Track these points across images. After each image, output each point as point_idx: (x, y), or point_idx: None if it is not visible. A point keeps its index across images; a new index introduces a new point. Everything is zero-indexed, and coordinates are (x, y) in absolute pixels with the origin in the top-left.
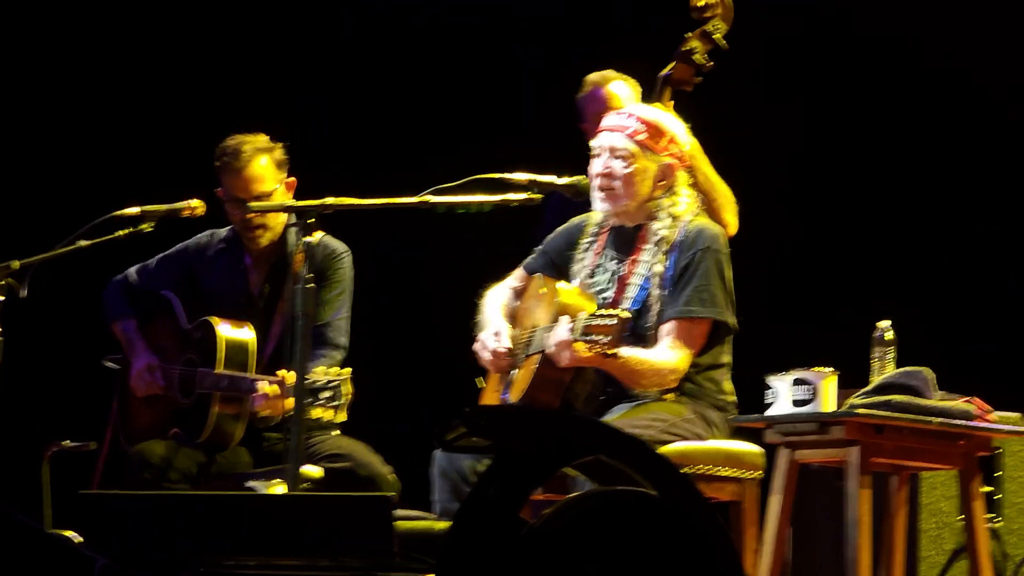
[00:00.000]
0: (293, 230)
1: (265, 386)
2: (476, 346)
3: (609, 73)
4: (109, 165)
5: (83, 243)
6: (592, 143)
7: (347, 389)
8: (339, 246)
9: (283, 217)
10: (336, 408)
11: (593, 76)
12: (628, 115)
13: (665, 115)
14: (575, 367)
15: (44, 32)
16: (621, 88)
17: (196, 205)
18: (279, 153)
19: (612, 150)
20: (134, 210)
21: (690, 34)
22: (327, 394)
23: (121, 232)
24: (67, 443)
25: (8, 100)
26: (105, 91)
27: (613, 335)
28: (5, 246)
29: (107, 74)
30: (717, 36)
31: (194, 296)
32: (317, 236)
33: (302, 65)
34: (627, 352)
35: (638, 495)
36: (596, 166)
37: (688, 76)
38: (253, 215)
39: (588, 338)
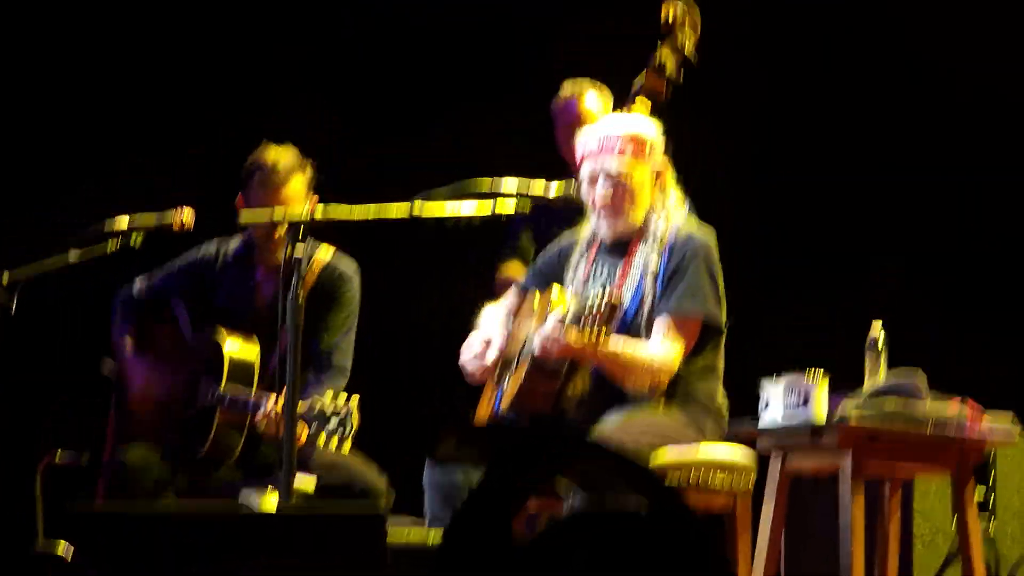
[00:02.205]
0: (302, 246)
1: (270, 404)
2: (463, 347)
3: (584, 84)
4: (97, 172)
5: (73, 256)
6: (583, 172)
7: (355, 420)
8: (349, 267)
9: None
10: (341, 439)
11: (567, 86)
12: (608, 133)
13: (637, 119)
14: (566, 371)
15: (28, 34)
16: (594, 101)
17: (186, 217)
18: (310, 171)
19: (608, 174)
20: (123, 221)
21: (659, 45)
22: (334, 422)
23: (111, 245)
24: (60, 455)
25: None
26: (92, 97)
27: (603, 319)
28: None
29: (94, 79)
30: (687, 49)
31: (201, 306)
32: (328, 253)
33: (302, 65)
34: (618, 342)
35: (628, 515)
36: (596, 193)
37: (660, 88)
38: (280, 233)
39: (578, 323)
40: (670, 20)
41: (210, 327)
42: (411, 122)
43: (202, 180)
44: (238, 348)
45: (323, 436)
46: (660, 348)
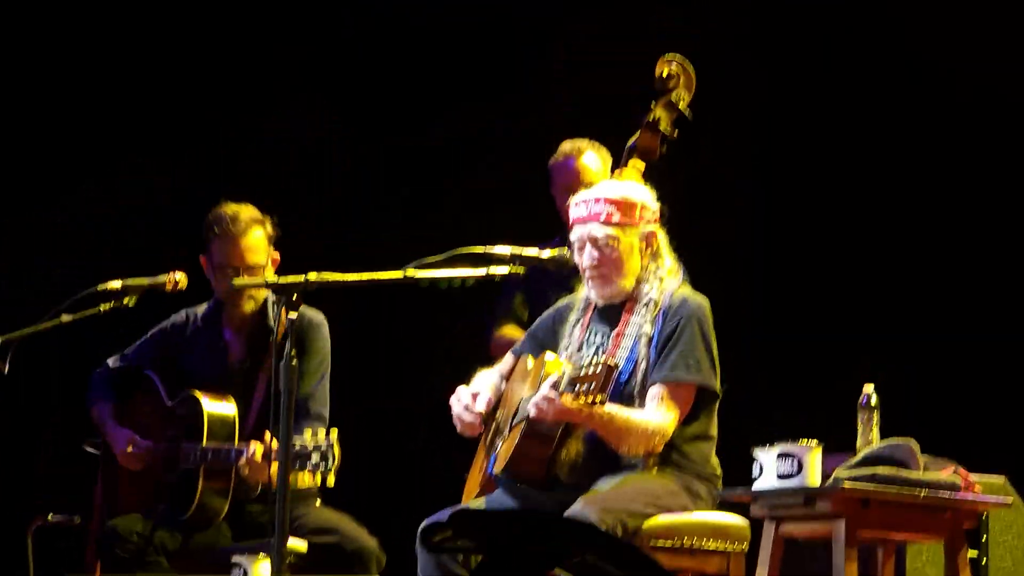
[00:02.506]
0: (272, 299)
1: (251, 449)
2: (452, 399)
3: (582, 143)
4: (91, 235)
5: (65, 318)
6: (572, 237)
7: (336, 452)
8: (316, 315)
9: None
10: (324, 473)
11: (565, 146)
12: (595, 200)
13: (629, 184)
14: (559, 436)
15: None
16: (592, 161)
17: (180, 278)
18: (270, 227)
19: (593, 241)
20: (116, 284)
21: (654, 103)
22: (316, 457)
23: (104, 306)
24: (52, 517)
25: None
26: (83, 152)
27: (598, 382)
28: None
29: (87, 130)
30: (682, 106)
31: (174, 374)
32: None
33: (302, 65)
34: (613, 408)
35: None
36: (584, 259)
37: (655, 145)
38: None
39: (573, 388)
40: (665, 76)
41: (186, 391)
42: (406, 191)
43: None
44: (216, 406)
45: (307, 474)
46: (655, 416)
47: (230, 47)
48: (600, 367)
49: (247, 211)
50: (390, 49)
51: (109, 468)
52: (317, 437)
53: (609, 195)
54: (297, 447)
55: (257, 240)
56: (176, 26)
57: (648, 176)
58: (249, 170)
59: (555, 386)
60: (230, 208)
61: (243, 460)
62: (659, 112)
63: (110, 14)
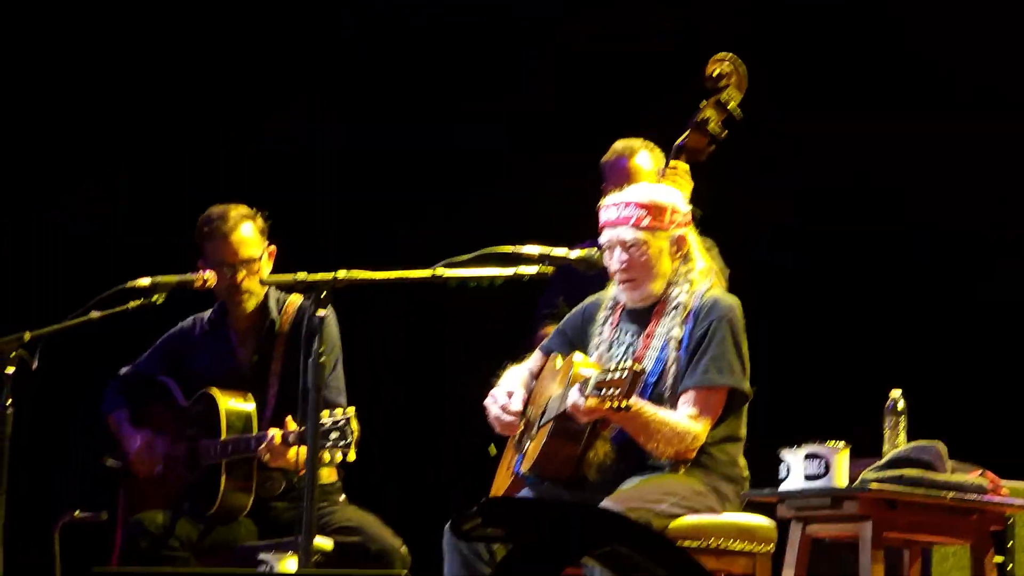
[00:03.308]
0: (274, 295)
1: (269, 433)
2: (487, 400)
3: (635, 143)
4: (119, 234)
5: (94, 314)
6: (602, 240)
7: (354, 427)
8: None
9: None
10: (345, 448)
11: (620, 144)
12: (625, 203)
13: (659, 187)
14: (587, 436)
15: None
16: (645, 160)
17: (208, 276)
18: (260, 221)
19: (623, 244)
20: (144, 281)
21: (704, 103)
22: (335, 435)
23: (132, 303)
24: (78, 514)
25: (15, 169)
26: (112, 155)
27: (624, 388)
28: (16, 318)
29: (112, 134)
30: (731, 106)
31: (186, 379)
32: (299, 298)
33: (302, 66)
34: (643, 405)
35: None
36: (613, 262)
37: (703, 145)
38: (239, 280)
39: (599, 392)
40: (716, 76)
41: (201, 390)
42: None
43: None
44: (232, 401)
45: (326, 453)
46: (688, 421)
47: (231, 47)
48: (627, 372)
49: (235, 208)
50: (390, 49)
51: (130, 476)
52: (334, 415)
53: (639, 199)
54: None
55: (247, 234)
56: (178, 26)
57: (695, 175)
58: (263, 174)
59: (581, 390)
60: (217, 208)
61: (263, 446)
62: (708, 112)
63: (113, 15)
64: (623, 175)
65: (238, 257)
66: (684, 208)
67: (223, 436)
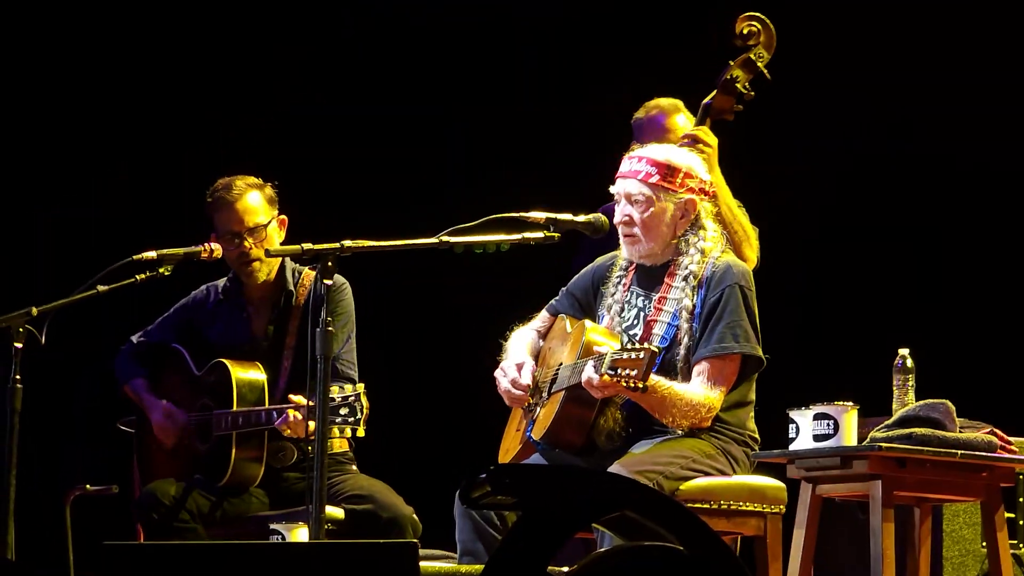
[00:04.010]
0: (289, 266)
1: (289, 411)
2: (496, 372)
3: (678, 103)
4: (124, 208)
5: (101, 288)
6: (611, 189)
7: (364, 403)
8: (338, 278)
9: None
10: (355, 424)
11: (660, 101)
12: (639, 159)
13: (678, 150)
14: (599, 404)
15: (49, 75)
16: (684, 122)
17: (215, 247)
18: (269, 190)
19: (628, 196)
20: (151, 254)
21: (733, 62)
22: (344, 410)
23: (139, 276)
24: (89, 487)
25: (22, 149)
26: (114, 135)
27: (640, 369)
28: (23, 293)
29: (114, 114)
30: (760, 65)
31: (199, 348)
32: (315, 271)
33: (302, 65)
34: (657, 380)
35: (665, 550)
36: (616, 213)
37: (730, 106)
38: (247, 248)
39: (615, 372)
40: (745, 33)
41: (214, 361)
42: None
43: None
44: (244, 372)
45: (335, 428)
46: (702, 390)
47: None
48: (643, 353)
49: (242, 178)
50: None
51: (144, 443)
52: (344, 390)
53: (654, 156)
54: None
55: (254, 201)
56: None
57: (719, 132)
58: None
59: (596, 367)
60: (224, 179)
61: (282, 422)
62: (736, 71)
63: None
64: (660, 132)
65: (244, 225)
66: (703, 176)
67: (234, 407)
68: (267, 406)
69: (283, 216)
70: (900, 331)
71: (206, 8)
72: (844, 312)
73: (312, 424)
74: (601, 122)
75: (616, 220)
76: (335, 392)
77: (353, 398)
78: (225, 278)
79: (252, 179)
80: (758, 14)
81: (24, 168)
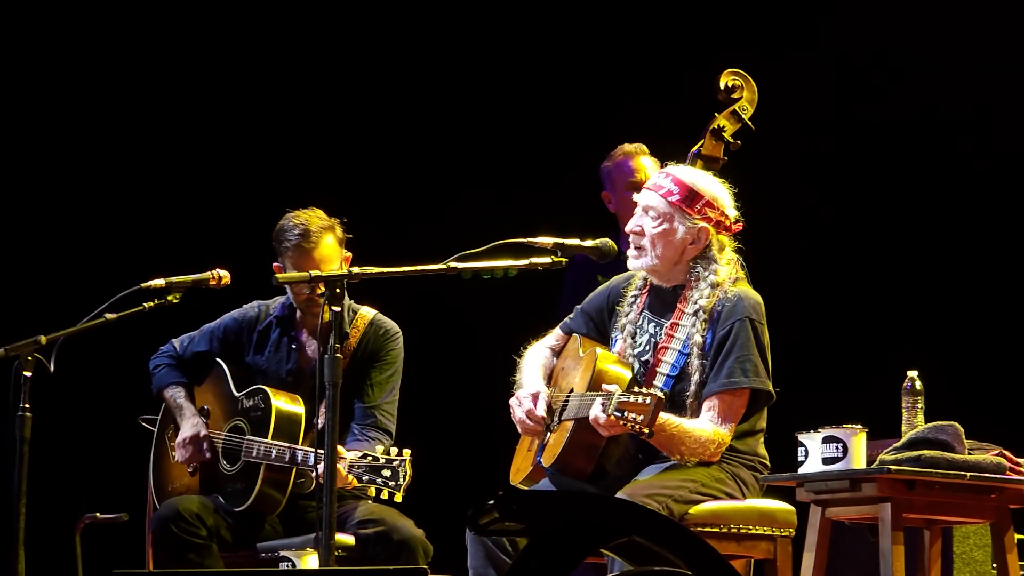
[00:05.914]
0: (346, 302)
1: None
2: (512, 401)
3: (642, 146)
4: (132, 237)
5: (109, 316)
6: (634, 196)
7: (408, 471)
8: (392, 326)
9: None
10: (394, 489)
11: (624, 146)
12: (667, 175)
13: (708, 179)
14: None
15: (58, 99)
16: (649, 164)
17: (223, 275)
18: (339, 231)
19: (646, 208)
20: (159, 282)
21: (719, 114)
22: (387, 473)
23: (147, 304)
24: (99, 515)
25: (30, 173)
26: (124, 162)
27: (647, 415)
28: (31, 322)
29: (126, 142)
30: (745, 116)
31: (241, 367)
32: (371, 313)
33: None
34: (667, 419)
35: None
36: (631, 223)
37: (718, 153)
38: (318, 295)
39: (622, 415)
40: (729, 87)
41: (255, 384)
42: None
43: (232, 248)
44: (285, 404)
45: (373, 488)
46: (711, 427)
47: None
48: (650, 399)
49: (317, 220)
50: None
51: (163, 446)
52: (390, 453)
53: (681, 176)
54: (368, 460)
55: (330, 247)
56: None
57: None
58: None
59: (604, 406)
60: (300, 217)
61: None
62: (723, 121)
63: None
64: (629, 173)
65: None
66: (728, 210)
67: (270, 437)
68: (301, 445)
69: (348, 254)
70: (909, 353)
71: (205, 16)
72: (853, 335)
73: (352, 478)
74: (610, 144)
75: (628, 228)
76: (381, 451)
77: (398, 463)
78: (279, 302)
79: (324, 218)
80: (738, 70)
81: (31, 193)
